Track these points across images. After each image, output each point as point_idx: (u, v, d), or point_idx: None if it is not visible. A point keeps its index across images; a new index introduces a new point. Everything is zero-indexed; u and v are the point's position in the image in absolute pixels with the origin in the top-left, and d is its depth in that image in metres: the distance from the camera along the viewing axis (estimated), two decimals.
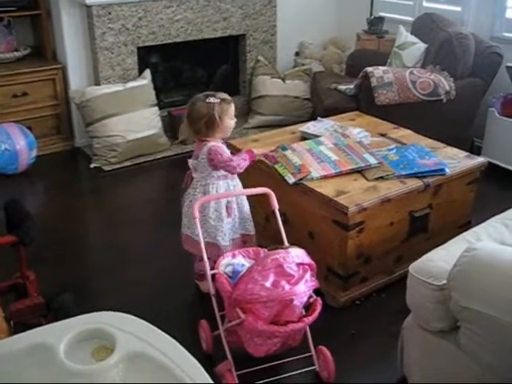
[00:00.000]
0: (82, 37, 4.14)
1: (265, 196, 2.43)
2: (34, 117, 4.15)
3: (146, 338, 1.29)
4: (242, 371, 2.10)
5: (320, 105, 4.13)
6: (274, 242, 2.37)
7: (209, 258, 2.28)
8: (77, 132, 4.36)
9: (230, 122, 2.45)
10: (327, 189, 2.55)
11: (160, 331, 1.33)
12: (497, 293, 1.65)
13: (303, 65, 4.99)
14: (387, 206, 2.53)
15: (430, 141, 3.04)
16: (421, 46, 4.03)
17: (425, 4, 4.54)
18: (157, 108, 4.29)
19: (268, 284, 1.96)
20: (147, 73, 4.32)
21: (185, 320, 2.51)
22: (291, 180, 2.63)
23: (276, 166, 2.71)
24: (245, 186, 2.57)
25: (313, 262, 2.08)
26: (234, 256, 2.29)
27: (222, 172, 2.46)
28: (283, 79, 4.78)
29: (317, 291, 2.16)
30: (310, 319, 2.05)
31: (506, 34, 4.04)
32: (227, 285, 2.08)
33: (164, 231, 3.26)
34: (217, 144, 2.44)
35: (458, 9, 4.29)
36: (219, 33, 4.58)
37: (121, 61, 4.23)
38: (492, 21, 4.10)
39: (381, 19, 4.70)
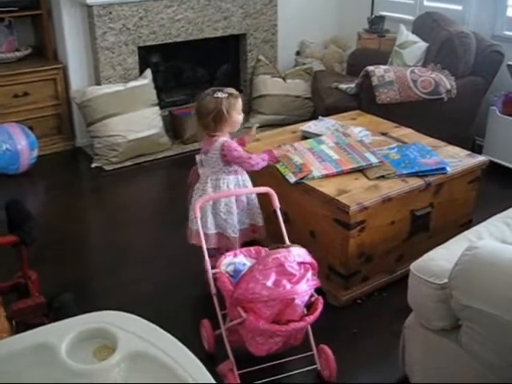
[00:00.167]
0: (83, 37, 4.14)
1: (266, 195, 2.44)
2: (35, 117, 4.15)
3: (147, 338, 1.29)
4: (244, 370, 2.10)
5: (321, 104, 4.13)
6: (276, 241, 2.37)
7: (218, 248, 2.41)
8: (78, 132, 4.36)
9: (238, 116, 2.47)
10: (328, 188, 2.54)
11: (162, 330, 1.33)
12: (498, 291, 1.65)
13: (304, 64, 4.99)
14: (388, 205, 2.53)
15: (431, 139, 3.03)
16: (422, 45, 4.03)
17: (426, 3, 4.54)
18: (158, 108, 4.29)
19: (269, 283, 1.96)
20: (148, 72, 4.32)
21: (186, 319, 2.51)
22: (292, 179, 2.63)
23: (277, 166, 2.71)
24: None
25: (314, 261, 2.08)
26: (235, 255, 2.29)
27: (234, 167, 2.49)
28: (284, 78, 4.78)
29: (318, 290, 2.16)
30: (311, 318, 2.05)
31: (507, 33, 4.03)
32: (228, 284, 2.08)
33: (165, 231, 3.26)
34: (229, 140, 2.47)
35: (459, 7, 4.28)
36: (220, 32, 4.58)
37: (122, 60, 4.24)
38: (493, 19, 4.09)
39: (382, 18, 4.70)
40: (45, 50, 4.26)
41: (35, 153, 3.94)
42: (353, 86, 3.96)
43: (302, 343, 2.18)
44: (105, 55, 4.14)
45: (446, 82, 3.69)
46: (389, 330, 2.40)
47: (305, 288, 1.99)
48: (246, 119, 4.72)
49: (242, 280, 1.98)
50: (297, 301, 1.97)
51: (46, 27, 4.16)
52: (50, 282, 2.59)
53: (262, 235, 2.61)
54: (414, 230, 2.69)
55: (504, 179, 3.75)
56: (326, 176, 2.64)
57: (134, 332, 1.29)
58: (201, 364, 1.24)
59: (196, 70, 4.87)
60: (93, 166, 4.07)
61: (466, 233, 2.14)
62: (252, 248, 2.34)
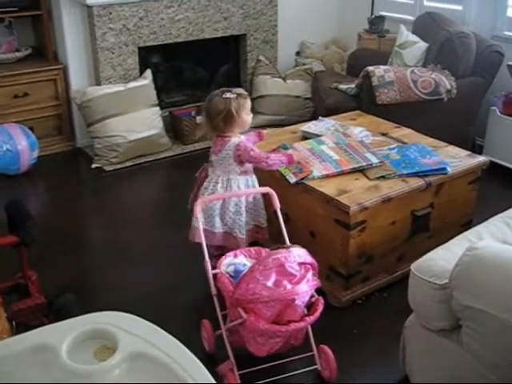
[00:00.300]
0: (83, 37, 4.14)
1: (266, 195, 2.44)
2: (35, 117, 4.15)
3: (148, 338, 1.29)
4: (244, 371, 2.10)
5: (321, 104, 4.13)
6: (276, 242, 2.38)
7: (224, 247, 2.48)
8: (78, 132, 4.36)
9: (247, 116, 2.48)
10: (329, 188, 2.54)
11: (162, 331, 1.33)
12: (499, 292, 1.65)
13: (304, 64, 4.99)
14: (389, 205, 2.53)
15: (431, 140, 3.03)
16: (422, 45, 4.03)
17: (426, 3, 4.53)
18: (158, 108, 4.29)
19: (270, 283, 1.96)
20: (148, 73, 4.32)
21: (187, 320, 2.51)
22: (292, 179, 2.62)
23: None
24: None
25: (314, 262, 2.08)
26: (235, 256, 2.29)
27: (245, 167, 2.51)
28: (284, 79, 4.78)
29: (319, 290, 2.16)
30: (311, 318, 2.05)
31: (507, 33, 4.03)
32: (229, 284, 2.08)
33: (165, 231, 3.26)
34: (243, 139, 2.49)
35: (459, 8, 4.28)
36: (220, 33, 4.58)
37: (122, 61, 4.24)
38: (493, 19, 4.09)
39: (382, 18, 4.70)
40: (45, 51, 4.26)
41: (35, 153, 3.94)
42: (353, 86, 3.96)
43: (302, 343, 2.18)
44: (105, 55, 4.14)
45: (446, 83, 3.69)
46: (389, 331, 2.39)
47: (305, 288, 1.99)
48: None
49: (243, 280, 1.98)
50: (297, 301, 1.97)
51: (46, 27, 4.16)
52: (51, 282, 2.59)
53: (266, 237, 2.61)
54: (415, 230, 2.69)
55: (504, 179, 3.75)
56: (327, 176, 2.64)
57: (135, 333, 1.30)
58: (201, 364, 1.24)
59: (196, 70, 4.87)
60: (93, 166, 4.07)
61: (466, 233, 2.14)
62: (252, 248, 2.34)
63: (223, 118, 2.42)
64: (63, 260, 3.00)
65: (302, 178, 2.61)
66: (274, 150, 2.79)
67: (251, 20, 4.68)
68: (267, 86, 4.70)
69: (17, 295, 2.40)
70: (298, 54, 5.24)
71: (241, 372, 2.10)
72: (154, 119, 4.21)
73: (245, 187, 2.52)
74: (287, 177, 2.65)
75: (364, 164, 2.68)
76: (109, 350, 1.27)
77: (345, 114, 3.45)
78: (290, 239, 2.35)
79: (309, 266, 2.06)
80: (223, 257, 2.27)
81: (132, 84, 4.20)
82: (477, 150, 3.85)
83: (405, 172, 2.65)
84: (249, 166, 2.55)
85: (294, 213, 2.69)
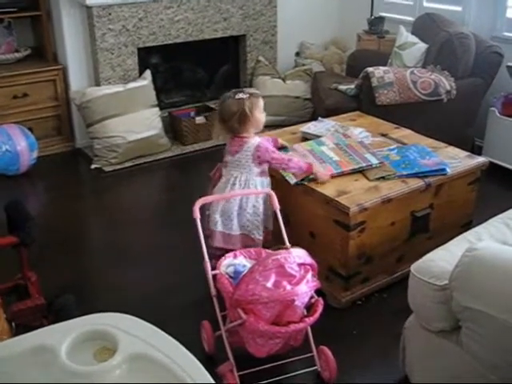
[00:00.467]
0: (83, 38, 4.14)
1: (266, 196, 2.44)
2: (34, 118, 4.15)
3: (147, 339, 1.29)
4: (244, 372, 2.10)
5: (321, 105, 4.13)
6: (276, 243, 2.37)
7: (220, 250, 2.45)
8: (77, 133, 4.36)
9: (261, 115, 2.50)
10: (328, 189, 2.54)
11: (162, 332, 1.33)
12: (498, 293, 1.65)
13: (304, 65, 4.99)
14: (388, 206, 2.53)
15: (430, 141, 3.03)
16: (421, 46, 4.03)
17: (425, 4, 4.54)
18: (157, 109, 4.29)
19: (269, 284, 1.95)
20: (148, 73, 4.32)
21: (186, 320, 2.51)
22: (293, 180, 2.62)
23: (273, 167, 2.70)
24: None
25: (314, 263, 2.08)
26: (235, 256, 2.29)
27: (262, 169, 2.52)
28: (284, 79, 4.78)
29: (318, 291, 2.16)
30: (311, 319, 2.05)
31: (507, 34, 4.03)
32: (228, 285, 2.08)
33: (165, 232, 3.26)
34: (263, 141, 2.52)
35: (459, 8, 4.28)
36: (220, 33, 4.58)
37: (121, 62, 4.24)
38: (493, 20, 4.10)
39: (381, 19, 4.70)
40: (44, 51, 4.26)
41: (35, 154, 3.93)
42: (352, 87, 3.96)
43: (302, 344, 2.18)
44: (104, 56, 4.14)
45: (446, 83, 3.69)
46: (389, 331, 2.39)
47: (305, 289, 1.98)
48: None
49: (242, 281, 1.98)
50: (297, 302, 1.97)
51: (45, 28, 4.16)
52: (50, 283, 2.59)
53: (270, 240, 2.61)
54: (414, 230, 2.69)
55: (504, 180, 3.75)
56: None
57: (135, 334, 1.29)
58: (201, 365, 1.24)
59: (196, 71, 4.87)
60: (92, 167, 4.07)
61: (465, 234, 2.14)
62: (252, 249, 2.34)
63: (238, 119, 2.43)
64: (63, 261, 3.00)
65: (303, 179, 2.61)
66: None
67: (251, 21, 4.69)
68: (267, 87, 4.70)
69: (16, 296, 2.40)
70: (297, 54, 5.24)
71: (240, 373, 2.10)
72: (154, 120, 4.21)
73: (261, 188, 2.53)
74: (287, 178, 2.65)
75: (364, 165, 2.68)
76: (109, 351, 1.27)
77: (344, 115, 3.45)
78: (289, 240, 2.34)
79: (308, 267, 2.06)
80: (223, 257, 2.27)
81: (131, 85, 4.20)
82: (476, 150, 3.85)
83: (404, 173, 2.65)
84: (265, 168, 2.56)
85: (293, 214, 2.69)
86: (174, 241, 3.11)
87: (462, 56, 3.76)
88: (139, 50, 4.31)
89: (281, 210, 2.40)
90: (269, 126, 4.42)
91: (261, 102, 2.49)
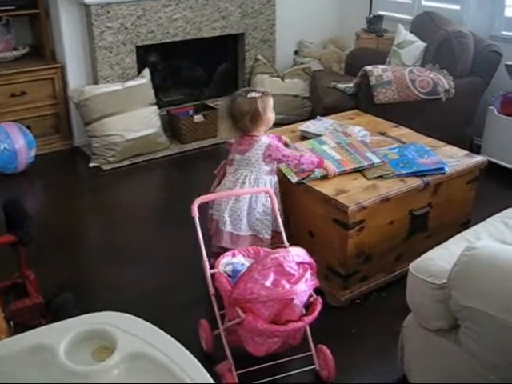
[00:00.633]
0: (81, 36, 4.13)
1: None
2: (32, 116, 4.15)
3: (146, 338, 1.28)
4: (242, 370, 2.10)
5: (319, 103, 4.13)
6: (275, 242, 2.37)
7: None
8: (76, 131, 4.36)
9: (272, 114, 2.51)
10: (327, 188, 2.54)
11: (160, 331, 1.33)
12: (497, 292, 1.65)
13: (302, 63, 4.99)
14: (387, 205, 2.53)
15: (429, 139, 3.03)
16: (420, 45, 4.03)
17: (424, 2, 4.54)
18: (156, 107, 4.29)
19: (268, 283, 1.95)
20: (146, 72, 4.31)
21: (185, 319, 2.50)
22: (294, 179, 2.62)
23: (279, 165, 2.70)
24: None
25: (313, 261, 2.08)
26: (233, 255, 2.28)
27: (271, 167, 2.53)
28: (282, 78, 4.78)
29: (317, 290, 2.16)
30: (310, 318, 2.04)
31: (505, 33, 4.03)
32: (227, 284, 2.07)
33: (163, 230, 3.26)
34: (273, 140, 2.53)
35: (457, 7, 4.28)
36: (218, 32, 4.58)
37: (120, 60, 4.23)
38: (491, 19, 4.10)
39: (380, 18, 4.70)
40: (42, 49, 4.25)
41: (33, 152, 3.93)
42: (351, 85, 3.96)
43: (300, 343, 2.18)
44: (103, 54, 4.13)
45: (445, 82, 3.69)
46: (387, 330, 2.39)
47: (304, 288, 1.98)
48: None
49: (241, 280, 1.98)
50: (295, 301, 1.97)
51: (43, 26, 4.15)
52: (49, 281, 2.58)
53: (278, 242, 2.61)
54: (413, 229, 2.69)
55: (502, 179, 3.75)
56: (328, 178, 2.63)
57: (133, 333, 1.29)
58: (199, 364, 1.24)
59: (194, 69, 4.86)
60: (91, 165, 4.07)
61: (464, 233, 2.14)
62: (250, 248, 2.34)
63: (250, 118, 2.43)
64: (61, 259, 2.99)
65: (304, 178, 2.61)
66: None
67: (249, 19, 4.68)
68: (265, 85, 4.68)
69: (14, 295, 2.39)
70: (296, 53, 5.23)
71: (239, 372, 2.10)
72: (152, 118, 4.21)
73: (270, 186, 2.53)
74: (289, 176, 2.64)
75: (365, 164, 2.68)
76: (107, 350, 1.26)
77: (343, 114, 3.45)
78: (288, 239, 2.34)
79: (307, 266, 2.06)
80: (221, 256, 2.27)
81: (130, 83, 4.19)
82: (474, 149, 3.85)
83: (403, 172, 2.65)
84: (274, 166, 2.56)
85: (293, 213, 2.69)
86: (173, 239, 3.11)
87: (460, 55, 3.76)
88: (137, 48, 4.30)
89: (279, 209, 2.39)
90: None
91: (271, 101, 2.50)
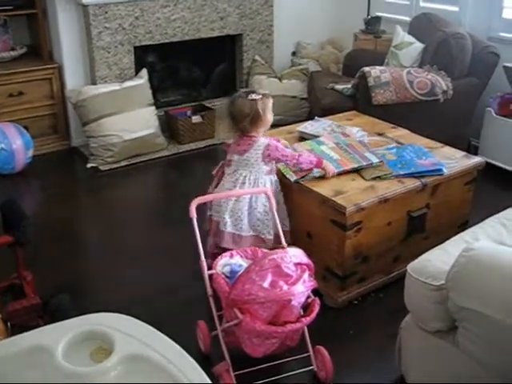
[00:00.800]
0: (79, 36, 4.13)
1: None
2: (30, 116, 4.14)
3: (144, 340, 1.28)
4: (240, 371, 2.10)
5: (317, 104, 4.13)
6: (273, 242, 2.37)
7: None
8: (73, 131, 4.35)
9: (271, 115, 2.52)
10: (325, 189, 2.54)
11: (158, 332, 1.33)
12: (495, 293, 1.65)
13: (300, 64, 4.99)
14: (385, 206, 2.53)
15: (427, 140, 3.04)
16: (418, 46, 4.03)
17: (422, 4, 4.54)
18: (154, 107, 4.28)
19: (266, 284, 1.95)
20: (144, 72, 4.31)
21: (182, 320, 2.50)
22: (293, 178, 2.62)
23: (278, 165, 2.70)
24: None
25: (311, 262, 2.08)
26: (231, 256, 2.28)
27: (270, 167, 2.54)
28: (280, 79, 4.78)
29: (315, 291, 2.15)
30: (308, 319, 2.04)
31: (503, 34, 4.04)
32: (225, 285, 2.07)
33: (161, 231, 3.25)
34: (272, 140, 2.54)
35: (455, 9, 4.29)
36: (216, 32, 4.58)
37: (117, 60, 4.22)
38: (489, 21, 4.10)
39: (378, 19, 4.71)
40: (40, 50, 4.25)
41: (30, 152, 3.92)
42: (349, 86, 3.96)
43: (298, 344, 2.17)
44: (100, 55, 4.13)
45: (442, 83, 3.69)
46: (385, 331, 2.39)
47: (301, 289, 1.98)
48: None
49: (238, 281, 1.97)
50: (293, 302, 1.97)
51: (41, 26, 4.14)
52: (46, 282, 2.58)
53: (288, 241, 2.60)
54: (411, 230, 2.69)
55: (500, 180, 3.76)
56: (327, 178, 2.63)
57: (131, 334, 1.29)
58: (197, 365, 1.24)
59: (192, 70, 4.86)
60: (88, 166, 4.06)
61: (462, 234, 2.14)
62: (248, 249, 2.33)
63: (250, 120, 2.44)
64: (59, 260, 2.98)
65: (303, 177, 2.61)
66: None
67: (247, 20, 4.68)
68: (263, 86, 4.68)
69: (12, 296, 2.39)
70: (293, 54, 5.23)
71: (237, 373, 2.09)
72: (150, 119, 4.20)
73: (270, 187, 2.53)
74: (288, 175, 2.64)
75: (364, 163, 2.68)
76: (105, 351, 1.26)
77: (341, 115, 3.45)
78: (286, 240, 2.34)
79: (305, 267, 2.06)
80: (219, 257, 2.26)
81: (128, 83, 4.19)
82: (472, 150, 3.86)
83: (401, 173, 2.65)
84: (273, 166, 2.57)
85: (290, 214, 2.68)
86: (170, 240, 3.11)
87: (458, 56, 3.77)
88: (135, 48, 4.30)
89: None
90: None
91: (271, 103, 2.51)
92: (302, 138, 3.07)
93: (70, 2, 4.02)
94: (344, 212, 2.40)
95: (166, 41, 4.37)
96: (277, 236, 2.48)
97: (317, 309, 2.07)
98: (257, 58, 4.82)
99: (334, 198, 2.46)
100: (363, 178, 2.64)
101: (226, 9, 4.54)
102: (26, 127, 4.00)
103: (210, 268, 2.20)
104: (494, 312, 1.62)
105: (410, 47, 4.06)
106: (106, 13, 4.04)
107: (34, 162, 3.97)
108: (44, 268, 2.77)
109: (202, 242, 2.28)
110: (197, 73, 4.89)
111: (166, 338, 1.31)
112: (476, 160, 2.87)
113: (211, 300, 2.18)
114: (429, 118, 3.67)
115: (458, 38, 3.76)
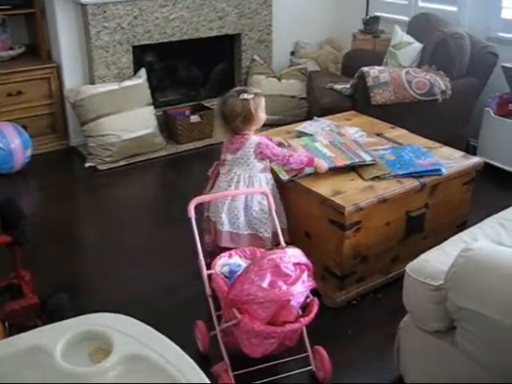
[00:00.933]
0: (77, 35, 4.12)
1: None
2: (28, 116, 4.13)
3: (142, 340, 1.28)
4: (239, 371, 2.09)
5: (316, 104, 4.13)
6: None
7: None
8: (72, 131, 4.34)
9: (263, 114, 2.52)
10: (324, 189, 2.54)
11: (157, 332, 1.32)
12: (493, 293, 1.65)
13: (299, 64, 4.99)
14: (384, 206, 2.53)
15: (426, 141, 3.04)
16: (416, 46, 4.04)
17: (420, 4, 4.54)
18: (152, 107, 4.28)
19: (265, 284, 1.95)
20: (142, 72, 4.31)
21: (181, 320, 2.50)
22: (285, 177, 2.62)
23: (271, 164, 2.70)
24: None
25: (309, 262, 2.08)
26: (230, 256, 2.28)
27: (264, 165, 2.54)
28: (279, 78, 4.77)
29: (314, 291, 2.15)
30: (306, 319, 2.04)
31: (502, 34, 4.04)
32: (223, 285, 2.07)
33: (159, 230, 3.25)
34: (263, 138, 2.54)
35: (454, 9, 4.29)
36: (215, 32, 4.57)
37: (116, 60, 4.22)
38: (487, 21, 4.10)
39: (376, 19, 4.71)
40: (38, 49, 4.24)
41: (29, 152, 3.92)
42: (348, 86, 3.96)
43: (297, 344, 2.17)
44: (99, 54, 4.13)
45: (441, 83, 3.69)
46: (384, 331, 2.39)
47: (300, 289, 1.98)
48: None
49: (237, 281, 1.97)
50: (292, 302, 1.97)
51: (39, 26, 4.14)
52: (44, 282, 2.58)
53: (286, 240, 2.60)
54: (409, 230, 2.69)
55: (498, 180, 3.76)
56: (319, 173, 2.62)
57: (129, 334, 1.29)
58: (195, 365, 1.24)
59: (191, 69, 4.86)
60: (87, 165, 4.05)
61: (461, 234, 2.14)
62: (247, 249, 2.33)
63: (242, 120, 2.44)
64: (57, 259, 2.98)
65: (295, 176, 2.61)
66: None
67: (246, 19, 4.68)
68: (262, 86, 4.68)
69: (10, 295, 2.39)
70: (292, 53, 5.23)
71: (235, 373, 2.09)
72: (148, 118, 4.20)
73: (266, 184, 2.53)
74: (280, 175, 2.64)
75: (357, 160, 2.68)
76: (104, 351, 1.26)
77: (340, 115, 3.45)
78: (284, 240, 2.34)
79: (304, 267, 2.06)
80: (218, 257, 2.26)
81: (126, 83, 4.18)
82: (471, 150, 3.86)
83: (400, 173, 2.65)
84: (268, 163, 2.57)
85: (289, 213, 2.68)
86: (169, 240, 3.10)
87: (456, 56, 3.77)
88: (134, 48, 4.29)
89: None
90: (264, 125, 4.41)
91: (263, 101, 2.51)
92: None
93: (68, 2, 4.01)
94: (343, 212, 2.40)
95: (165, 40, 4.37)
96: (275, 235, 2.48)
97: (315, 309, 2.07)
98: (255, 57, 4.81)
99: (332, 198, 2.46)
100: (362, 177, 2.64)
101: (224, 8, 4.54)
102: (24, 127, 4.00)
103: (208, 267, 2.20)
104: (493, 312, 1.62)
105: (408, 47, 4.06)
106: (105, 12, 4.04)
107: (32, 161, 3.97)
108: (42, 268, 2.76)
109: (200, 241, 2.28)
110: (195, 72, 4.89)
111: (164, 338, 1.31)
112: (475, 160, 2.87)
113: (210, 300, 2.18)
114: (427, 118, 3.67)
115: (456, 38, 3.76)
